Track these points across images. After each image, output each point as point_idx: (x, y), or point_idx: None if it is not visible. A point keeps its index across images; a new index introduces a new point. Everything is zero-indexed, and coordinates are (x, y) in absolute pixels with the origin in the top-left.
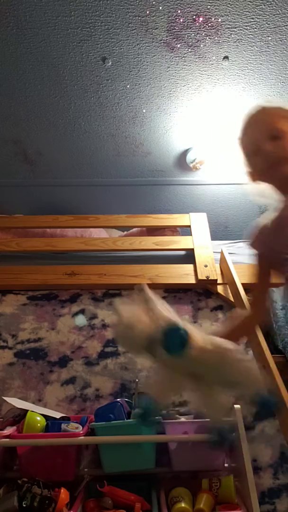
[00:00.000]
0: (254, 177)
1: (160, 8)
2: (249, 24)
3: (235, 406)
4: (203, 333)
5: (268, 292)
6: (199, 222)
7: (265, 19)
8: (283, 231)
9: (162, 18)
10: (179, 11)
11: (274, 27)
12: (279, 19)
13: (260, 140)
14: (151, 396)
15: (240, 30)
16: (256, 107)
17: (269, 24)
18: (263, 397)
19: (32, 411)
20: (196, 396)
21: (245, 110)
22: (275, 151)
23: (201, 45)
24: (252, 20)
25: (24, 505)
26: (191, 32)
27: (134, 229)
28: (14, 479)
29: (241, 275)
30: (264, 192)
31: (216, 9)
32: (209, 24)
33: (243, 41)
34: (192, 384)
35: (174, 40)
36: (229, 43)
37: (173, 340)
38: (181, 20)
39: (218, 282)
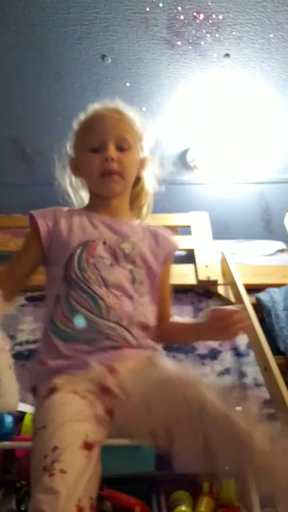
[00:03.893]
0: (76, 168)
1: (160, 5)
2: (250, 21)
3: (236, 408)
4: None
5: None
6: (199, 222)
7: (266, 16)
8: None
9: (162, 15)
10: (179, 8)
11: (275, 24)
12: (281, 16)
13: (107, 142)
14: None
15: (241, 27)
16: (117, 105)
17: (270, 21)
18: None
19: (31, 413)
20: None
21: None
22: (116, 162)
23: (202, 43)
24: (253, 17)
25: (23, 509)
26: (192, 29)
27: None
28: (12, 482)
29: (243, 275)
30: (77, 186)
31: (216, 6)
32: (210, 21)
33: (244, 38)
34: None
35: (174, 37)
36: (230, 40)
37: None
38: (182, 17)
39: (219, 282)
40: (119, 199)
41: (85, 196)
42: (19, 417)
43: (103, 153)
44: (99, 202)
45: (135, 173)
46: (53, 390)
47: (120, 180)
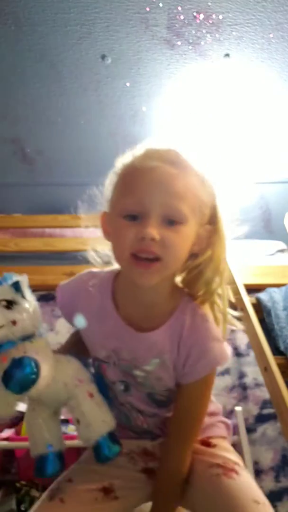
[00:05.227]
0: (106, 231)
1: (160, 5)
2: (250, 21)
3: (236, 408)
4: (50, 354)
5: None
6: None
7: (266, 16)
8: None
9: (162, 15)
10: (179, 8)
11: (275, 24)
12: (281, 16)
13: (150, 212)
14: None
15: (241, 27)
16: (174, 154)
17: (270, 21)
18: (100, 443)
19: None
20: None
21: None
22: (157, 243)
23: (202, 43)
24: (253, 17)
25: (23, 509)
26: (192, 29)
27: None
28: (12, 482)
29: (243, 275)
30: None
31: (216, 6)
32: (210, 21)
33: (244, 38)
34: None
35: (174, 37)
36: (230, 40)
37: (16, 378)
38: (182, 17)
39: None
40: (156, 291)
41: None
42: (19, 417)
43: (142, 226)
44: (130, 286)
45: (186, 253)
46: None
47: (159, 269)
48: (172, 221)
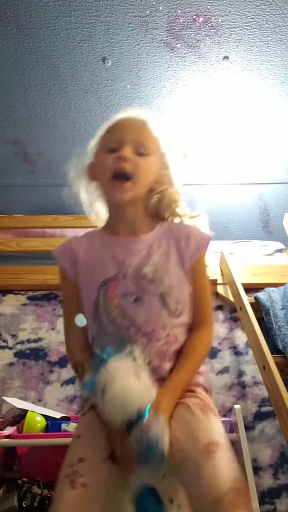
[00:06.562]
0: (92, 173)
1: (160, 8)
2: (249, 24)
3: (235, 406)
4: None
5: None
6: (198, 222)
7: (265, 19)
8: (92, 271)
9: (162, 18)
10: (179, 11)
11: (274, 27)
12: (279, 19)
13: (125, 143)
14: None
15: (240, 30)
16: (138, 114)
17: (269, 24)
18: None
19: (32, 411)
20: None
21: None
22: (129, 163)
23: (201, 45)
24: (252, 20)
25: (24, 505)
26: (191, 32)
27: None
28: (14, 479)
29: (241, 275)
30: (93, 197)
31: (216, 9)
32: (209, 24)
33: (243, 41)
34: None
35: (174, 40)
36: (229, 43)
37: (149, 456)
38: (181, 20)
39: (218, 282)
40: (133, 207)
41: (101, 210)
42: (22, 415)
43: (119, 151)
44: (114, 213)
45: (150, 182)
46: (91, 407)
47: (131, 187)
48: (141, 153)
